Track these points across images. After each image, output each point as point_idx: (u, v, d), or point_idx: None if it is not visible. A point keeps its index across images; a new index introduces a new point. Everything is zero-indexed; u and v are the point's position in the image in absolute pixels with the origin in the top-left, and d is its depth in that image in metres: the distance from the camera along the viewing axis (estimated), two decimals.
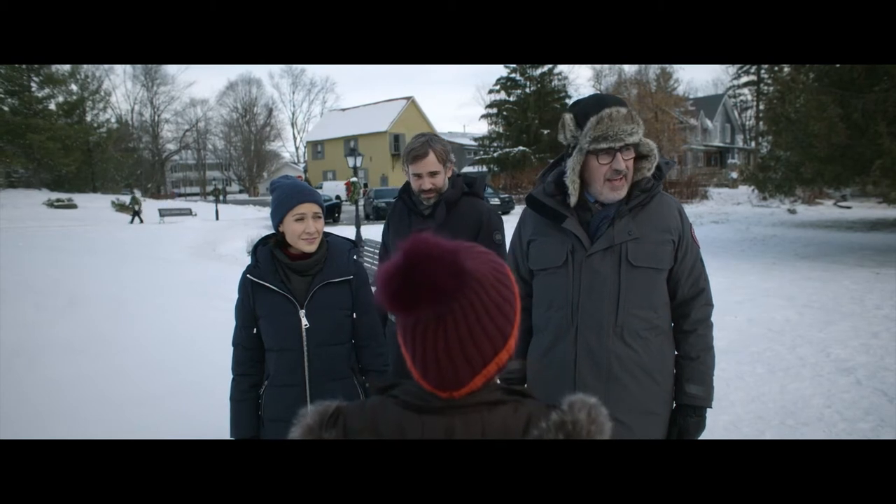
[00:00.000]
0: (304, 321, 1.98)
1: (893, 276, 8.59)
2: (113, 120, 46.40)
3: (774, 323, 6.28)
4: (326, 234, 2.12)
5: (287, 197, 1.98)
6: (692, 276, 1.90)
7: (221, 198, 37.55)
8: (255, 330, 2.06)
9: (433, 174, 2.40)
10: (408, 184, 2.55)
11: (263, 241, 2.09)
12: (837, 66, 10.55)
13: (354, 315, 2.08)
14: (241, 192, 63.29)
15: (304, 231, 1.97)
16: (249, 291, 2.05)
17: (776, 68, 14.06)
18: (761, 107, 30.45)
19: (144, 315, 6.89)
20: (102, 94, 42.38)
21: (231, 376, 2.11)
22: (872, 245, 12.19)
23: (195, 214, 28.28)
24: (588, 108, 1.80)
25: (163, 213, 27.26)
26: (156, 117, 57.01)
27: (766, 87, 34.23)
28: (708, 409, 1.92)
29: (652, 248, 1.82)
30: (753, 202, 23.63)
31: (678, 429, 1.90)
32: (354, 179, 20.53)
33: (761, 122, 18.93)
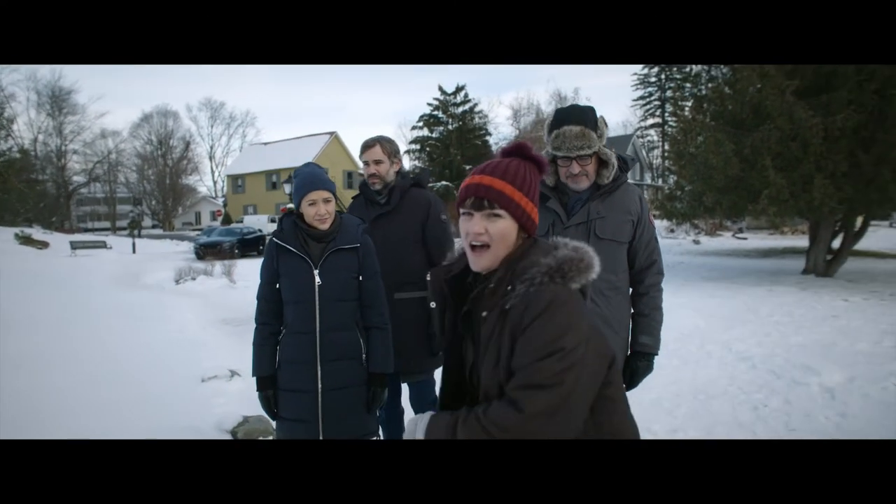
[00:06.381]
0: (318, 279, 2.36)
1: (783, 292, 9.73)
2: (14, 149, 43.82)
3: (685, 328, 7.04)
4: (340, 213, 2.54)
5: (301, 185, 2.39)
6: (647, 249, 2.44)
7: (137, 231, 36.05)
8: (276, 285, 2.43)
9: (377, 162, 2.91)
10: (364, 181, 3.04)
11: (289, 213, 2.49)
12: (729, 108, 11.90)
13: (360, 278, 2.44)
14: (154, 227, 60.63)
15: (315, 214, 2.38)
16: (274, 253, 2.43)
17: (678, 111, 15.45)
18: (666, 146, 32.97)
19: (79, 336, 6.82)
20: (3, 121, 40.08)
21: (255, 325, 2.48)
22: (765, 269, 13.65)
23: (110, 247, 27.09)
24: (555, 121, 2.34)
25: (75, 245, 25.89)
26: (62, 147, 53.87)
27: (669, 129, 36.99)
28: (655, 357, 2.45)
29: (615, 226, 2.36)
30: (662, 234, 25.48)
31: (630, 371, 2.42)
32: (291, 205, 20.52)
33: (667, 160, 20.66)
